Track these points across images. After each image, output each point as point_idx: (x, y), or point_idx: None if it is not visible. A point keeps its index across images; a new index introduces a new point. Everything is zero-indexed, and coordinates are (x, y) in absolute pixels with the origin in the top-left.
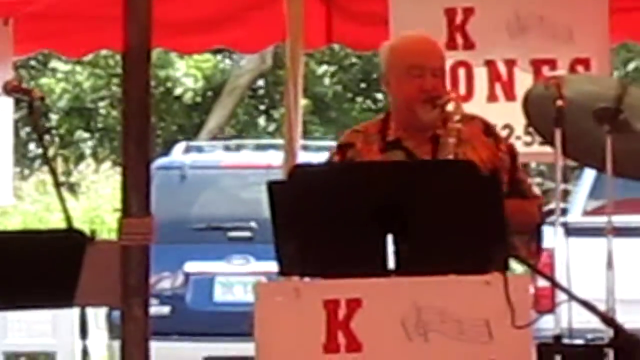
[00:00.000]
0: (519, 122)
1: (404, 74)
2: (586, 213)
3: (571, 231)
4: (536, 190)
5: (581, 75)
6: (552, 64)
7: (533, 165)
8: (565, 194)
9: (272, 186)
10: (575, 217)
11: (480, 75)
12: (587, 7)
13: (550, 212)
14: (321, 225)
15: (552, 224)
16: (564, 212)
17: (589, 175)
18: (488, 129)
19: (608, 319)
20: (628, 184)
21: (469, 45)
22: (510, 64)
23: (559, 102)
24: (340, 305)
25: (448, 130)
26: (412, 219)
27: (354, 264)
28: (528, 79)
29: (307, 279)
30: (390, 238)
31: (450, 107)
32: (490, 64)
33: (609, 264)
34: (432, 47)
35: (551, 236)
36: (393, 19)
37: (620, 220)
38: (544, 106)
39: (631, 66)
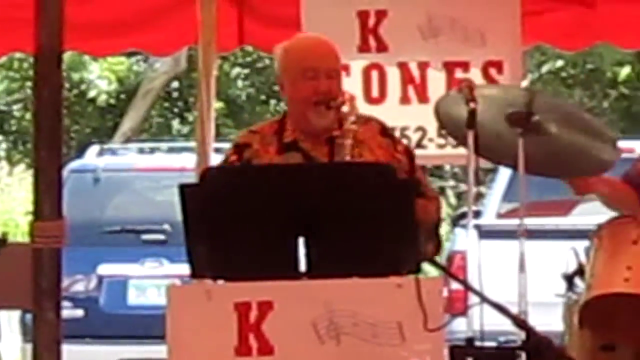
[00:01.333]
0: (432, 124)
1: (298, 76)
2: (500, 215)
3: (485, 233)
4: (434, 191)
5: (491, 85)
6: (465, 66)
7: (447, 167)
8: (480, 196)
9: (184, 189)
10: (489, 219)
11: (393, 77)
12: (499, 10)
13: (464, 215)
14: (233, 228)
15: (465, 226)
16: (478, 214)
17: (503, 178)
18: (385, 130)
19: (520, 322)
20: (542, 186)
21: (382, 47)
22: (423, 66)
23: (471, 105)
24: (251, 308)
25: (344, 131)
26: (324, 222)
27: (265, 267)
28: (441, 81)
29: (219, 282)
30: (301, 240)
31: (345, 108)
32: (403, 67)
33: (521, 267)
34: (326, 48)
35: (464, 239)
36: (305, 21)
37: (533, 222)
38: (455, 109)
39: (545, 68)
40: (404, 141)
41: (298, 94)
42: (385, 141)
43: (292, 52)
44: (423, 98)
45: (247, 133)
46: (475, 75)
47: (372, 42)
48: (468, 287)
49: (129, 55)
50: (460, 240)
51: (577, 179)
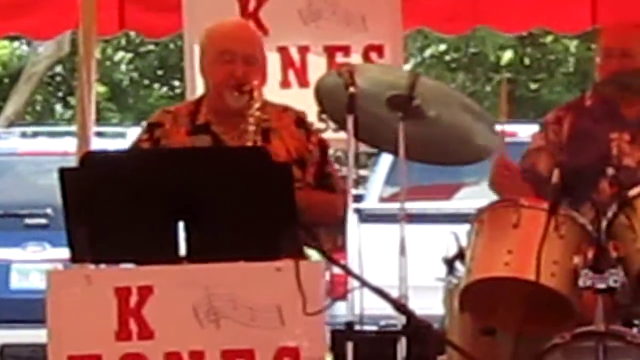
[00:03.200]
0: (312, 108)
1: (216, 58)
2: (382, 199)
3: (367, 217)
4: (343, 185)
5: (373, 65)
6: (346, 50)
7: (330, 152)
8: (363, 180)
9: (64, 173)
10: (371, 203)
11: (274, 61)
12: None
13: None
14: (112, 212)
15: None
16: (360, 198)
17: (385, 162)
18: (300, 121)
19: (400, 306)
20: (425, 170)
21: (262, 31)
22: (303, 50)
23: (351, 89)
24: (131, 293)
25: (247, 117)
26: (204, 206)
27: (145, 251)
28: (321, 66)
29: (100, 266)
30: (181, 225)
31: (255, 94)
32: (283, 51)
33: (402, 251)
34: (246, 34)
35: (349, 222)
36: (186, 5)
37: (414, 206)
38: (336, 93)
39: (428, 52)
40: None
41: (214, 76)
42: (298, 132)
43: (212, 34)
44: (303, 82)
45: (161, 112)
46: (356, 59)
47: (252, 26)
48: (348, 271)
49: (12, 39)
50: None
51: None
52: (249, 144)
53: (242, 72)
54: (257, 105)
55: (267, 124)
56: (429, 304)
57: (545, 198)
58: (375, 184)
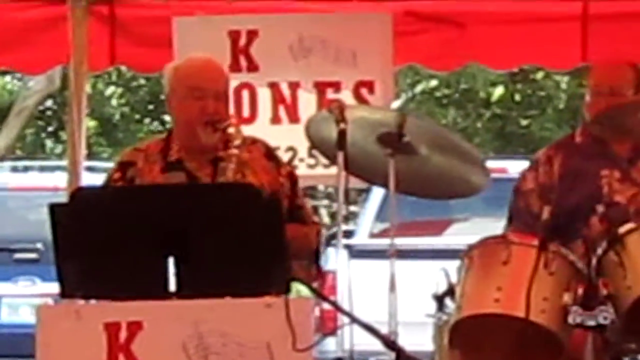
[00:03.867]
0: (303, 144)
1: (186, 95)
2: (373, 235)
3: (357, 253)
4: (315, 217)
5: (362, 105)
6: (336, 86)
7: (321, 187)
8: (353, 216)
9: (54, 208)
10: (361, 239)
11: (264, 97)
12: (371, 31)
13: (336, 234)
14: (102, 248)
15: (336, 245)
16: (351, 234)
17: (375, 197)
18: (269, 153)
19: (389, 342)
20: (416, 206)
21: (252, 67)
22: (294, 86)
23: (341, 125)
24: (121, 328)
25: (227, 155)
26: (194, 242)
27: (135, 287)
28: (312, 102)
29: (90, 302)
30: (171, 260)
31: (231, 130)
32: (273, 86)
33: (392, 287)
34: (215, 70)
35: (340, 258)
36: (177, 41)
37: (405, 242)
38: (326, 130)
39: (419, 88)
40: None
41: (185, 113)
42: (269, 164)
43: (180, 71)
44: (294, 118)
45: (131, 151)
46: (346, 95)
47: (243, 62)
48: (337, 307)
49: (3, 73)
50: (332, 259)
51: None
52: (231, 181)
53: (214, 108)
54: (237, 142)
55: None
56: (419, 340)
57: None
58: (366, 220)
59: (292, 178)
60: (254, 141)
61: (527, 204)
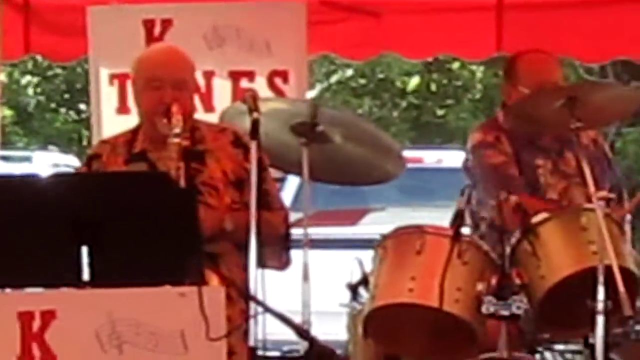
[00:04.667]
0: None
1: (145, 86)
2: None
3: None
4: (282, 202)
5: (276, 97)
6: (251, 75)
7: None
8: None
9: None
10: None
11: None
12: (285, 20)
13: None
14: (16, 237)
15: None
16: None
17: (291, 187)
18: (237, 141)
19: (302, 332)
20: (330, 196)
21: None
22: (208, 75)
23: (255, 115)
24: (34, 317)
25: (168, 145)
26: (107, 231)
27: (48, 276)
28: (226, 91)
29: (5, 290)
30: (85, 250)
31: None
32: None
33: (305, 276)
34: (174, 59)
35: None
36: (92, 30)
37: (319, 232)
38: (240, 118)
39: (334, 78)
40: None
41: (145, 104)
42: (235, 151)
43: (140, 62)
44: (209, 107)
45: (100, 143)
46: (260, 84)
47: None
48: (250, 297)
49: None
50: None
51: None
52: (172, 171)
53: (171, 98)
54: (176, 131)
55: (202, 146)
56: (333, 329)
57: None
58: None
59: (261, 164)
60: (222, 129)
61: (506, 173)
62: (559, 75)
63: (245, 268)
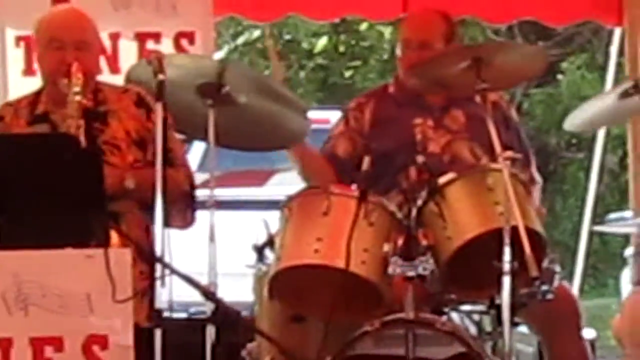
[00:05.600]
0: None
1: (46, 47)
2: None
3: None
4: (187, 160)
5: (183, 54)
6: (156, 37)
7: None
8: None
9: None
10: None
11: None
12: None
13: None
14: None
15: None
16: None
17: (198, 148)
18: (140, 101)
19: (208, 293)
20: (238, 157)
21: None
22: (114, 37)
23: (160, 77)
24: None
25: (68, 103)
26: (11, 193)
27: None
28: (132, 52)
29: None
30: None
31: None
32: None
33: (211, 238)
34: (74, 20)
35: (157, 209)
36: None
37: (225, 193)
38: (146, 80)
39: (241, 39)
40: None
41: (46, 65)
42: (138, 112)
43: (41, 24)
44: (114, 69)
45: (3, 106)
46: (167, 46)
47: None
48: (155, 259)
49: None
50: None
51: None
52: (72, 129)
53: (74, 58)
54: (75, 89)
55: (105, 107)
56: (239, 291)
57: (345, 182)
58: None
59: (164, 122)
60: (125, 90)
61: (332, 146)
62: (435, 36)
63: (147, 229)
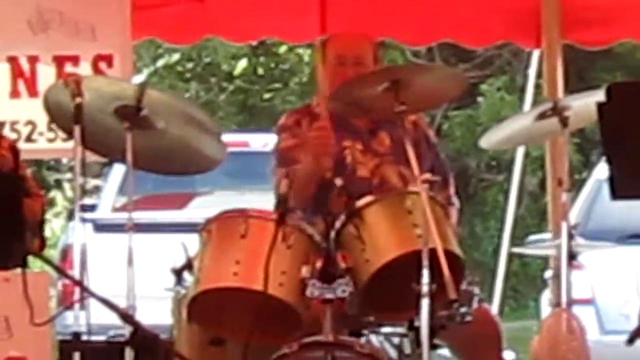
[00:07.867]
0: (42, 118)
1: None
2: (115, 209)
3: (100, 227)
4: (38, 188)
5: (101, 77)
6: (75, 60)
7: (64, 160)
8: (97, 189)
9: None
10: (104, 213)
11: (3, 71)
12: (109, 4)
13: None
14: None
15: (82, 220)
16: (94, 208)
17: (118, 171)
18: None
19: (126, 316)
20: (158, 180)
21: None
22: (32, 60)
23: (78, 99)
24: None
25: None
26: None
27: None
28: (51, 76)
29: None
30: None
31: None
32: (12, 60)
33: (130, 261)
34: None
35: (77, 232)
36: None
37: (145, 216)
38: (64, 103)
39: (161, 62)
40: (14, 136)
41: None
42: None
43: None
44: (33, 92)
45: None
46: (85, 69)
47: None
48: (74, 281)
49: None
50: (75, 233)
51: None
52: None
53: None
54: None
55: None
56: (158, 314)
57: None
58: (108, 194)
59: (14, 150)
60: None
61: (292, 155)
62: (370, 53)
63: None
